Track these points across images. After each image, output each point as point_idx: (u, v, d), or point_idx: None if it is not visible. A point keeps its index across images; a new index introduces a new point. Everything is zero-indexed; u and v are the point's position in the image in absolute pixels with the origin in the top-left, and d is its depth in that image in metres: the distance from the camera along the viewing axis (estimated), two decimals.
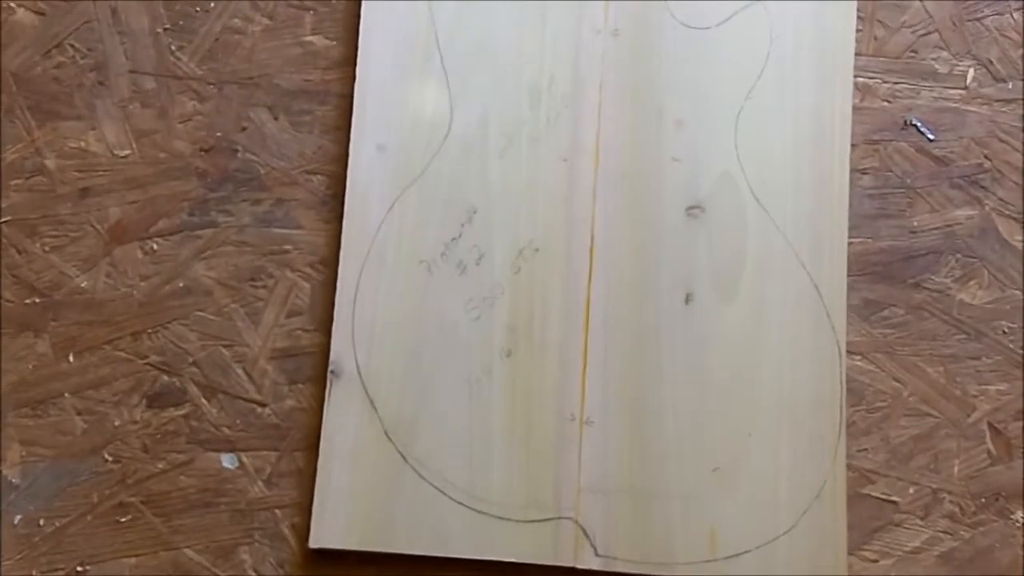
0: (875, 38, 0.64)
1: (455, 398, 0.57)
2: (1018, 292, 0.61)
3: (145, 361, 0.59)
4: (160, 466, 0.58)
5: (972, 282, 0.62)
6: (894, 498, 0.59)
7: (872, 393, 0.60)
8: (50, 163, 0.60)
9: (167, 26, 0.62)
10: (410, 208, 0.59)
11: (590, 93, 0.61)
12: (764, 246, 0.59)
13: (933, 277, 0.62)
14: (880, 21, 0.64)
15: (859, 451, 0.59)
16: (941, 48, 0.64)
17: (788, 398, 0.58)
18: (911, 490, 0.59)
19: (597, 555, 0.56)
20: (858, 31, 0.63)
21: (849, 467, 0.58)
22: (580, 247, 0.59)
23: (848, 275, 0.59)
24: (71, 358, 0.59)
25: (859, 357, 0.61)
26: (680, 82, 0.61)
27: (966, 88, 0.64)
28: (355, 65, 0.59)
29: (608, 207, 0.59)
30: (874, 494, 0.59)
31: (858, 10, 0.62)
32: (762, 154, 0.60)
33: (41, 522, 0.57)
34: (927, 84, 0.64)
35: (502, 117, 0.60)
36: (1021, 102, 0.64)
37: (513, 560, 0.55)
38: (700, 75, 0.61)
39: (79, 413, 0.58)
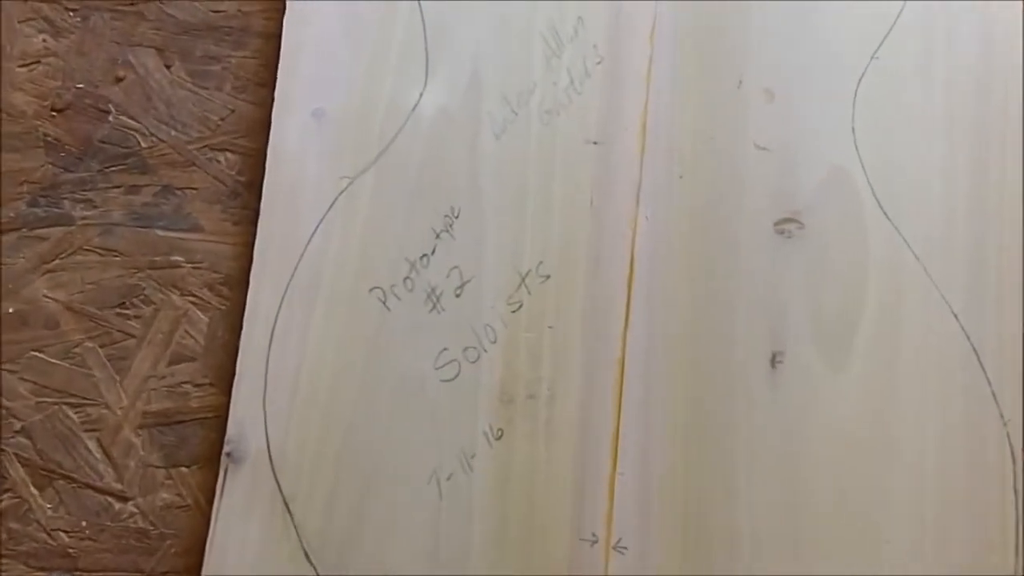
0: None
1: (415, 502, 0.47)
2: None
3: None
4: None
5: None
6: None
7: None
8: None
9: None
10: (360, 207, 0.50)
11: (636, 45, 0.52)
12: (894, 282, 0.50)
13: None
14: None
15: None
16: None
17: (931, 517, 0.48)
18: None
19: None
20: None
21: None
22: (613, 275, 0.50)
23: None
24: None
25: None
26: (772, 34, 0.52)
27: None
28: None
29: (658, 216, 0.50)
30: None
31: None
32: (893, 142, 0.51)
33: None
34: None
35: (502, 77, 0.52)
36: None
37: None
38: (802, 23, 0.52)
39: None
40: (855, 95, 0.51)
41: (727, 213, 0.50)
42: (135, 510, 0.48)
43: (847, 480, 0.47)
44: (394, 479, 0.47)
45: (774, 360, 0.48)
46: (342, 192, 0.49)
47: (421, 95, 0.50)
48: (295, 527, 0.46)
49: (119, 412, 0.49)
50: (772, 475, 0.47)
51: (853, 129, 0.51)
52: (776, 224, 0.50)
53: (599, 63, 0.51)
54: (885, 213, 0.50)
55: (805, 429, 0.48)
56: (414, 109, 0.50)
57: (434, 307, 0.48)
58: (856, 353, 0.48)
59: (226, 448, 0.46)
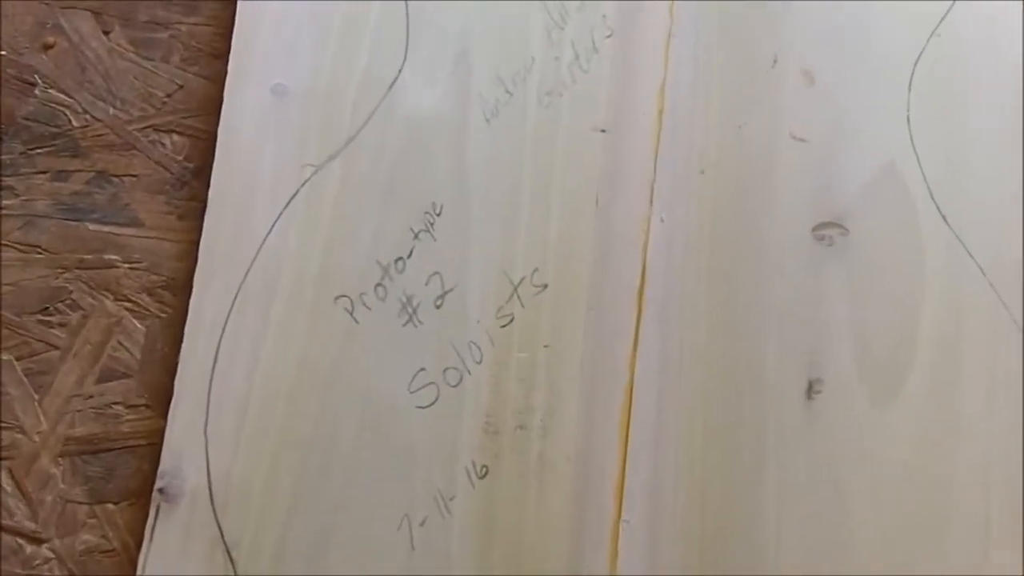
0: None
1: (382, 552, 0.44)
2: None
3: None
4: None
5: None
6: None
7: None
8: None
9: None
10: (325, 201, 0.47)
11: (653, 16, 0.50)
12: (954, 300, 0.46)
13: None
14: None
15: None
16: None
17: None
18: None
19: None
20: None
21: None
22: (621, 286, 0.47)
23: None
24: None
25: None
26: (813, 4, 0.50)
27: None
28: None
29: (675, 218, 0.48)
30: None
31: None
32: (955, 135, 0.48)
33: None
34: None
35: (495, 51, 0.49)
36: None
37: None
38: None
39: None
40: (911, 79, 0.48)
41: (757, 216, 0.47)
42: (51, 554, 0.45)
43: (895, 531, 0.43)
44: (357, 524, 0.44)
45: (811, 390, 0.45)
46: (305, 182, 0.46)
47: (400, 71, 0.48)
48: None
49: (36, 437, 0.46)
50: (806, 525, 0.43)
51: (908, 119, 0.48)
52: (815, 229, 0.47)
53: (609, 36, 0.49)
54: (944, 218, 0.47)
55: (846, 471, 0.44)
56: (391, 87, 0.48)
57: (410, 320, 0.46)
58: (908, 383, 0.45)
59: (158, 483, 0.43)
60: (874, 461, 0.44)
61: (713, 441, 0.45)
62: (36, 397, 0.46)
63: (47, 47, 0.49)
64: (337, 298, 0.45)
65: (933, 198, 0.46)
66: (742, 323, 0.45)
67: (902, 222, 0.46)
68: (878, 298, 0.46)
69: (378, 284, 0.45)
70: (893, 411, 0.44)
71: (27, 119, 0.49)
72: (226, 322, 0.45)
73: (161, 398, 0.46)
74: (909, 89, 0.48)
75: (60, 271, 0.47)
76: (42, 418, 0.46)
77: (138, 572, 0.42)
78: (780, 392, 0.45)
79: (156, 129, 0.49)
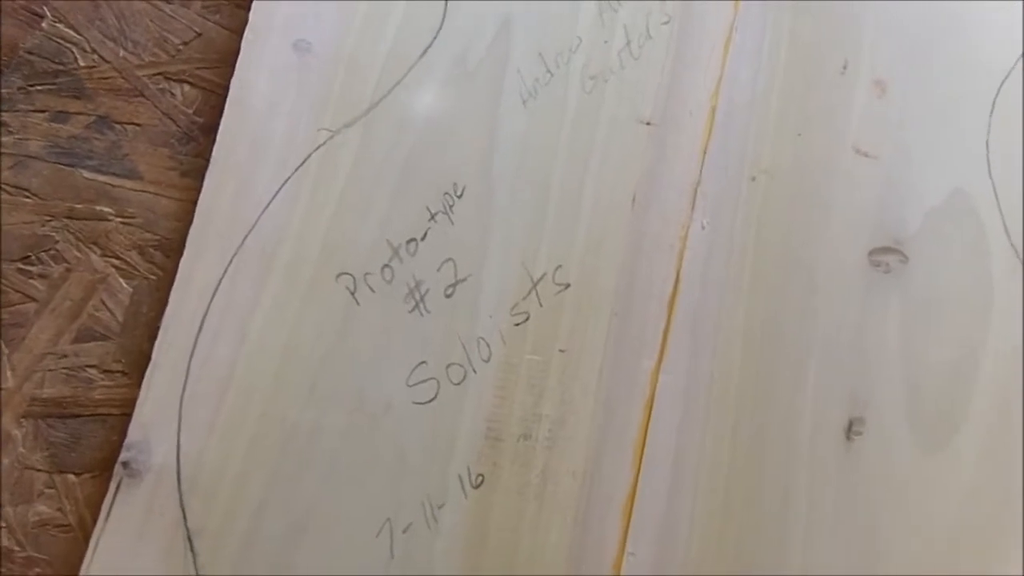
0: None
1: (358, 559, 0.41)
2: None
3: None
4: None
5: None
6: None
7: None
8: None
9: None
10: (339, 169, 0.45)
11: (715, 6, 0.47)
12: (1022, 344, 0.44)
13: None
14: None
15: None
16: None
17: None
18: None
19: None
20: None
21: None
22: (651, 295, 0.45)
23: None
24: None
25: None
26: (892, 9, 0.47)
27: None
28: None
29: (718, 227, 0.46)
30: None
31: None
32: None
33: None
34: None
35: (539, 26, 0.47)
36: None
37: None
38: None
39: None
40: (994, 101, 0.47)
41: (809, 232, 0.45)
42: (4, 528, 0.42)
43: None
44: (334, 524, 0.41)
45: (851, 430, 0.43)
46: (319, 147, 0.44)
47: (434, 39, 0.45)
48: (196, 569, 0.39)
49: (1, 394, 0.43)
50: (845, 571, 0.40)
51: (987, 143, 0.46)
52: (872, 254, 0.45)
53: (666, 23, 0.46)
54: (1018, 254, 0.43)
55: (883, 522, 0.42)
56: (422, 56, 0.45)
57: (416, 307, 0.43)
58: (961, 431, 0.42)
59: (123, 455, 0.40)
60: (916, 514, 0.41)
61: (737, 475, 0.42)
62: (6, 351, 0.44)
63: None
64: (339, 275, 0.43)
65: (1007, 230, 0.44)
66: (781, 348, 0.43)
67: (970, 253, 0.44)
68: (935, 334, 0.43)
69: (385, 265, 0.43)
70: (941, 461, 0.41)
71: (31, 53, 0.46)
72: (216, 289, 0.42)
73: (140, 366, 0.43)
74: (991, 112, 0.45)
75: (47, 219, 0.45)
76: (9, 374, 0.43)
77: (89, 550, 0.39)
78: (816, 429, 0.42)
79: (167, 77, 0.47)
